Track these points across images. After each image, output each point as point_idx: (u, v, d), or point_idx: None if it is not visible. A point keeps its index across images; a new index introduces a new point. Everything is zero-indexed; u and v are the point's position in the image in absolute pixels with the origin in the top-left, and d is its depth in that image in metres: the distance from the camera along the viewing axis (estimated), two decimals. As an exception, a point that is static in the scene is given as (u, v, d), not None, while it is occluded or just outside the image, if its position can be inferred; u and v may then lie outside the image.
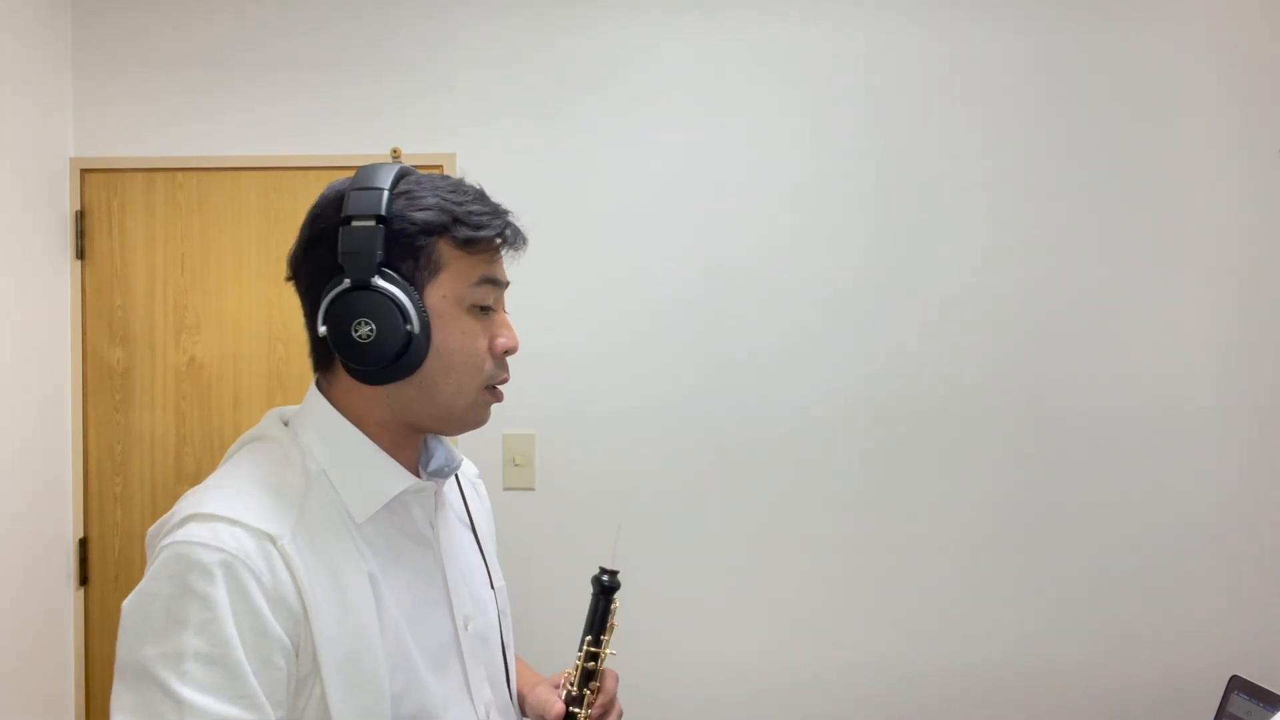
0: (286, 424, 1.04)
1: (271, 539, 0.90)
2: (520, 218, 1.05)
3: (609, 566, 1.16)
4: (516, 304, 2.34)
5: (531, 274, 2.31)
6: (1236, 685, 1.76)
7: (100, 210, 2.35)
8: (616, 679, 1.16)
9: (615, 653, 1.15)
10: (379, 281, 0.95)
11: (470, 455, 2.37)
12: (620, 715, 1.16)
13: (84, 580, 2.35)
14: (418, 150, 2.31)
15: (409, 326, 0.95)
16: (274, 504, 0.93)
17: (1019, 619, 2.29)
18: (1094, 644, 2.29)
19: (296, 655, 0.89)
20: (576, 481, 2.33)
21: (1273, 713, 1.64)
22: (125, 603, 0.89)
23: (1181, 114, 2.28)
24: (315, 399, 1.03)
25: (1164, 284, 2.28)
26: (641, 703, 2.32)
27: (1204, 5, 2.28)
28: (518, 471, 2.34)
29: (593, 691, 1.12)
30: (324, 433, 1.01)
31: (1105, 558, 2.28)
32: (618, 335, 2.33)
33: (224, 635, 0.85)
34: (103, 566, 2.35)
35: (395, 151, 2.28)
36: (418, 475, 1.07)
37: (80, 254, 2.35)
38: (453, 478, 1.16)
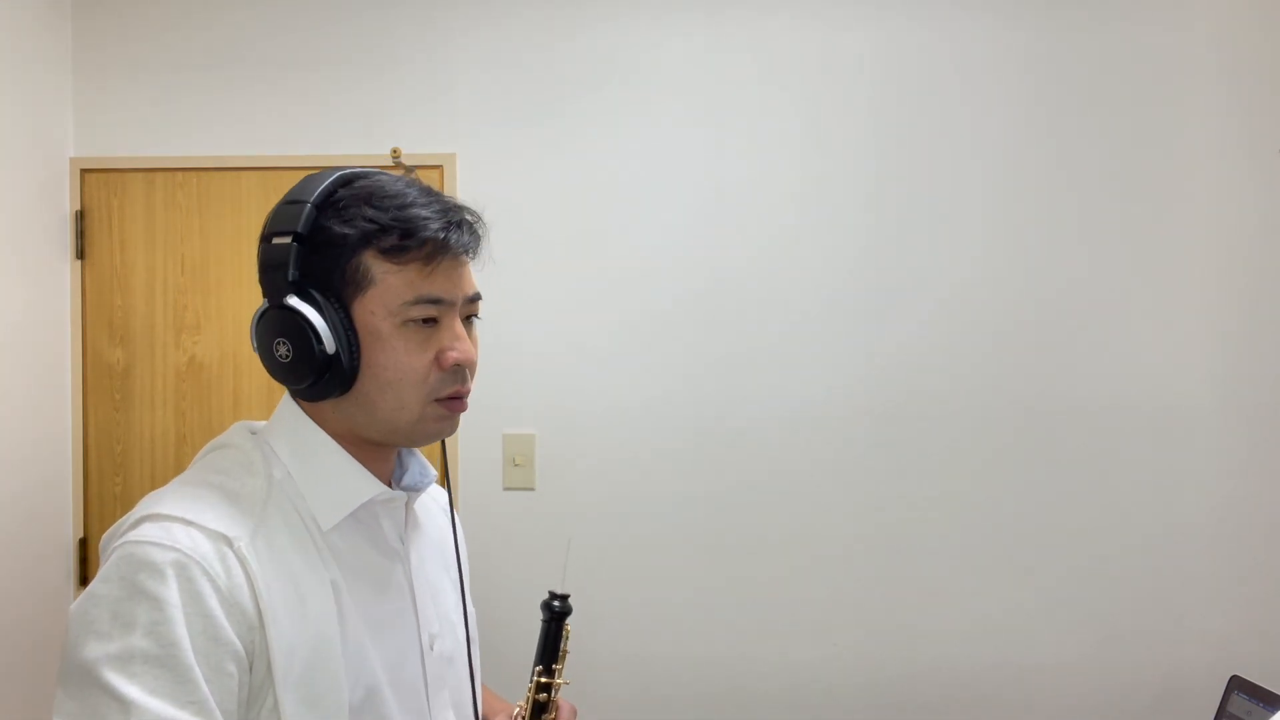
0: (254, 434, 1.00)
1: (228, 541, 0.86)
2: (480, 216, 0.99)
3: (559, 590, 1.10)
4: (516, 303, 2.34)
5: (531, 274, 2.32)
6: (1236, 685, 1.75)
7: (100, 210, 2.35)
8: (574, 713, 1.09)
9: (569, 682, 1.10)
10: (291, 300, 0.91)
11: (470, 455, 2.38)
12: None
13: (84, 580, 2.35)
14: (418, 150, 2.31)
15: (321, 346, 0.90)
16: (233, 508, 0.90)
17: (1018, 618, 2.29)
18: (1094, 644, 2.29)
19: (250, 663, 0.85)
20: (576, 481, 2.33)
21: (1273, 713, 1.64)
22: (72, 607, 0.85)
23: (1181, 114, 2.28)
24: (288, 406, 1.00)
25: (1163, 283, 2.28)
26: (640, 701, 2.32)
27: (1204, 5, 2.28)
28: (518, 471, 2.34)
29: None
30: (294, 439, 0.98)
31: (1105, 557, 2.28)
32: (618, 335, 2.33)
33: (174, 637, 0.81)
34: (103, 566, 2.35)
35: (395, 151, 2.28)
36: (389, 487, 1.03)
37: (80, 254, 2.35)
38: (431, 505, 1.14)
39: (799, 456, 2.31)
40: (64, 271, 2.34)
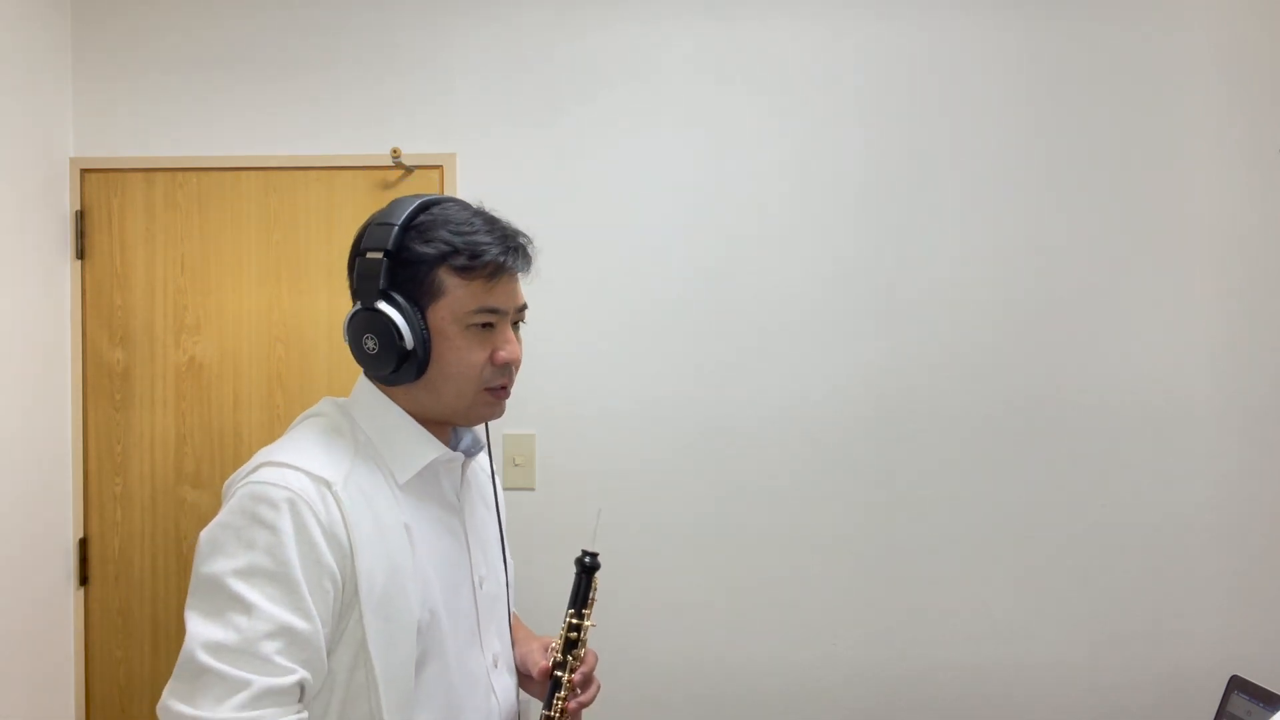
0: (339, 407, 1.23)
1: (328, 484, 1.08)
2: (531, 240, 1.23)
3: (590, 549, 1.33)
4: (516, 304, 2.33)
5: (531, 275, 2.31)
6: (1236, 685, 1.75)
7: (100, 210, 2.35)
8: (597, 658, 1.33)
9: (596, 624, 1.31)
10: (382, 305, 1.15)
11: (470, 455, 2.36)
12: (598, 689, 1.32)
13: (84, 580, 2.35)
14: (418, 150, 2.31)
15: (402, 343, 1.14)
16: (330, 459, 1.12)
17: (1018, 618, 2.29)
18: (1094, 643, 2.29)
19: (342, 584, 1.06)
20: (576, 481, 2.33)
21: (1273, 713, 1.64)
22: (202, 533, 1.07)
23: (1181, 114, 2.28)
24: (364, 385, 1.24)
25: (1163, 283, 2.28)
26: (641, 701, 2.32)
27: (1203, 5, 2.28)
28: (518, 471, 2.34)
29: (575, 659, 1.28)
30: (372, 411, 1.21)
31: (1105, 557, 2.28)
32: (617, 336, 2.33)
33: (286, 557, 1.02)
34: (103, 566, 2.35)
35: (395, 151, 2.28)
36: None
37: (80, 254, 2.35)
38: (485, 465, 1.37)
39: (798, 456, 2.31)
40: (64, 271, 2.34)
